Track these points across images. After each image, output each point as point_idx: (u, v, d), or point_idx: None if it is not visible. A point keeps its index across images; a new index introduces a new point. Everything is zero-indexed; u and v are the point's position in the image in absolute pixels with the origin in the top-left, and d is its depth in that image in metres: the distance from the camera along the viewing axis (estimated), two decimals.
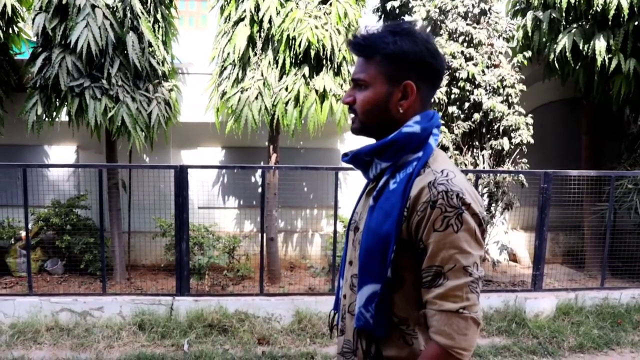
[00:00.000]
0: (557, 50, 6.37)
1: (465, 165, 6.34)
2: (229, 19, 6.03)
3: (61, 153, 7.47)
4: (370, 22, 6.05)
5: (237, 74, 5.97)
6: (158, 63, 5.93)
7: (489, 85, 6.30)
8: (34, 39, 5.78)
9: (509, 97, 6.36)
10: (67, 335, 4.88)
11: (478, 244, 1.38)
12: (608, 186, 6.11)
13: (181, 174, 5.30)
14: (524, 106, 6.62)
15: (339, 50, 5.81)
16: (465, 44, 6.44)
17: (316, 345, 4.91)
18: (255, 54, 5.98)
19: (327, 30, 5.70)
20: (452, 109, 6.35)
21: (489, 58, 6.47)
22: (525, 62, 6.60)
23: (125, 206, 6.96)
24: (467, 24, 6.46)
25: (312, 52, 5.67)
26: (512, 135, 6.33)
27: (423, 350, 1.41)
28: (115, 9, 5.48)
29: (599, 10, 5.97)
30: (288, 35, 5.67)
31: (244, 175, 7.72)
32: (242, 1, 5.87)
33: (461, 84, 6.27)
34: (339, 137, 7.67)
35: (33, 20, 5.52)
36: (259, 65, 5.95)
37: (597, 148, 7.65)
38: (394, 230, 1.40)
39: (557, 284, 6.46)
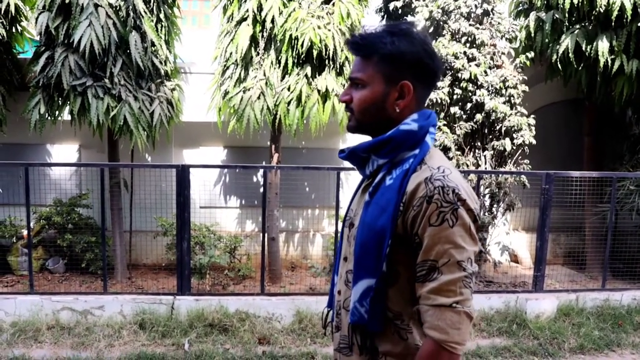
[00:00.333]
0: (560, 51, 6.36)
1: (467, 165, 6.33)
2: (232, 19, 6.03)
3: (63, 152, 7.48)
4: (373, 22, 6.04)
5: (240, 74, 5.97)
6: (161, 62, 5.94)
7: (492, 85, 6.30)
8: (37, 37, 5.80)
9: (512, 98, 6.36)
10: (67, 334, 4.88)
11: (472, 240, 1.40)
12: (610, 187, 6.10)
13: (183, 174, 5.30)
14: (526, 107, 6.61)
15: (342, 51, 5.81)
16: (467, 45, 6.44)
17: (317, 345, 4.91)
18: (258, 54, 5.98)
19: (329, 30, 5.70)
20: (455, 109, 6.35)
21: (492, 59, 6.47)
22: (528, 62, 6.59)
23: (126, 205, 6.97)
24: (470, 25, 6.46)
25: (315, 52, 5.67)
26: (514, 136, 6.33)
27: (419, 347, 1.42)
28: (118, 8, 5.48)
29: (601, 11, 5.97)
30: (290, 35, 5.67)
31: (245, 175, 7.72)
32: (245, 1, 5.87)
33: (463, 84, 6.27)
34: (341, 137, 7.67)
35: (36, 19, 5.54)
36: (262, 65, 5.95)
37: (599, 149, 7.64)
38: (389, 225, 1.42)
39: (558, 285, 6.45)
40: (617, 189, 6.15)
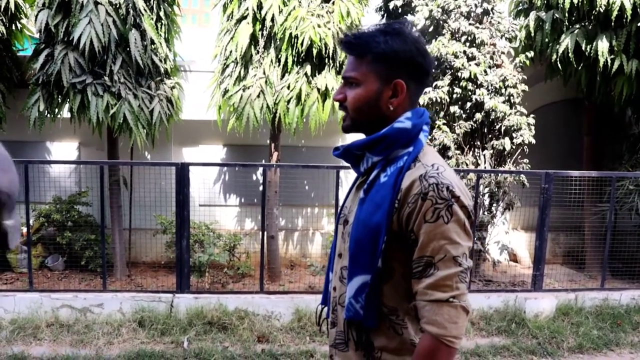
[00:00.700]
0: (560, 51, 6.36)
1: (467, 165, 6.34)
2: (232, 17, 6.03)
3: (63, 149, 7.48)
4: (373, 21, 6.04)
5: (239, 72, 5.98)
6: (160, 60, 5.94)
7: (491, 85, 6.30)
8: (37, 35, 5.80)
9: (511, 97, 6.36)
10: (67, 332, 4.89)
11: (467, 235, 1.42)
12: (609, 187, 6.10)
13: (182, 172, 5.30)
14: (526, 106, 6.61)
15: (341, 50, 5.80)
16: (467, 44, 6.44)
17: (315, 343, 4.91)
18: (258, 52, 5.98)
19: (329, 29, 5.70)
20: (454, 108, 6.35)
21: (491, 58, 6.47)
22: (528, 62, 6.59)
23: (126, 203, 6.98)
24: (470, 24, 6.45)
25: (315, 51, 5.67)
26: (514, 135, 6.33)
27: (417, 343, 1.44)
28: (118, 6, 5.49)
29: (601, 11, 5.97)
30: (290, 34, 5.67)
31: (245, 173, 7.73)
32: None
33: (463, 83, 6.27)
34: (341, 136, 7.67)
35: (36, 16, 5.54)
36: (261, 63, 5.96)
37: (599, 149, 7.64)
38: (384, 221, 1.44)
39: (557, 285, 6.46)
40: (616, 189, 6.16)
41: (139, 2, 5.56)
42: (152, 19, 5.84)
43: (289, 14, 5.71)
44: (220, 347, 4.73)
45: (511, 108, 6.36)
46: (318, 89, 5.82)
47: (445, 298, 1.37)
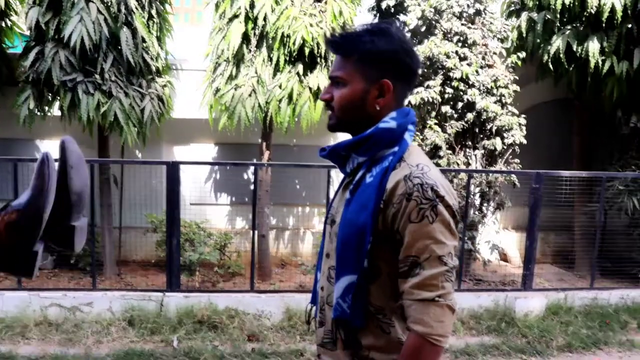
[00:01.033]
0: (551, 52, 6.40)
1: (458, 164, 6.36)
2: (224, 16, 6.01)
3: (53, 148, 7.42)
4: (365, 21, 6.04)
5: (231, 71, 5.96)
6: (152, 59, 5.91)
7: (483, 85, 6.32)
8: (27, 32, 5.76)
9: (502, 97, 6.38)
10: (55, 331, 4.86)
11: (452, 235, 1.43)
12: (599, 187, 6.14)
13: (173, 170, 5.28)
14: (517, 106, 6.64)
15: None
16: (459, 44, 6.46)
17: (306, 342, 4.91)
18: (250, 51, 5.97)
19: (321, 28, 5.69)
20: (446, 108, 6.37)
21: (483, 58, 6.49)
22: (519, 62, 6.62)
23: (116, 201, 6.94)
24: (462, 24, 6.47)
25: (307, 50, 5.67)
26: (505, 135, 6.36)
27: (404, 342, 1.44)
28: (109, 4, 5.45)
29: (592, 12, 6.00)
30: (283, 33, 5.66)
31: (236, 172, 7.71)
32: None
33: (455, 83, 6.29)
34: (332, 135, 7.67)
35: (26, 13, 5.49)
36: (253, 62, 5.94)
37: (589, 149, 7.69)
38: (370, 221, 1.44)
39: (547, 284, 6.50)
40: (606, 189, 6.20)
41: (130, 0, 5.53)
42: (144, 17, 5.81)
43: (282, 13, 5.70)
44: (210, 346, 4.72)
45: (502, 108, 6.38)
46: (310, 89, 5.81)
47: (431, 297, 1.37)
